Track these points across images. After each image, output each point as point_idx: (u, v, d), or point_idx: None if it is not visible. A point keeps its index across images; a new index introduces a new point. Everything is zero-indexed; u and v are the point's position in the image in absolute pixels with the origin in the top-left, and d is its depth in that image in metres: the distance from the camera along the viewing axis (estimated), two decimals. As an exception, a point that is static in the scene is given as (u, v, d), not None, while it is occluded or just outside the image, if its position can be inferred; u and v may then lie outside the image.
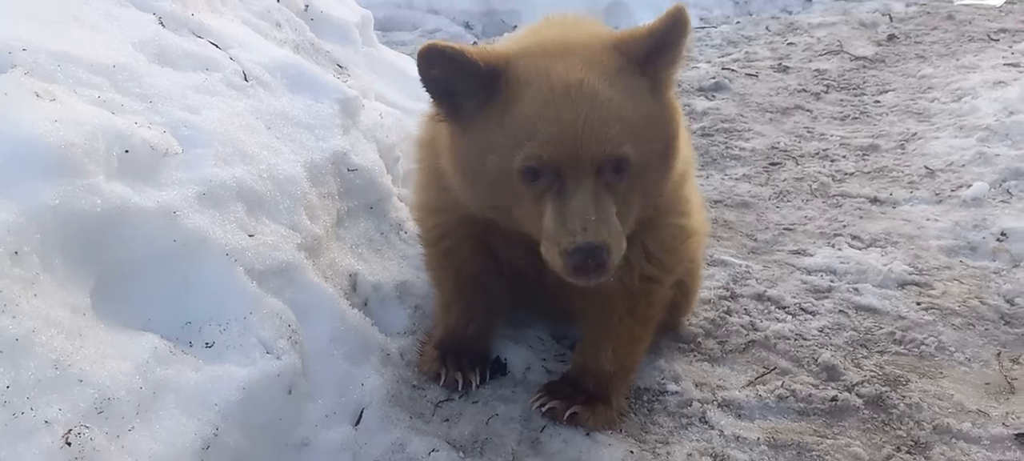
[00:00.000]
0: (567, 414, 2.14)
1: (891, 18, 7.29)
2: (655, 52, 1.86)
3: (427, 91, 1.90)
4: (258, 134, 2.41)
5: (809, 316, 2.83)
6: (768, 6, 8.23)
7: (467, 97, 1.86)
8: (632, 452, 2.14)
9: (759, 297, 2.95)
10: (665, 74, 1.90)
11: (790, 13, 7.98)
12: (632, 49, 1.87)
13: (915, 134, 4.56)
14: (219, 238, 2.01)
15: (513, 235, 2.09)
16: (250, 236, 2.13)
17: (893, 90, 5.40)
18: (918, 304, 2.86)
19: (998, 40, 6.24)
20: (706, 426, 2.26)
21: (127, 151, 1.97)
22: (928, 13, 7.44)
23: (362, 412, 2.13)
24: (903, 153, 4.33)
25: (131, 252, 1.89)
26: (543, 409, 2.17)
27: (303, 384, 2.01)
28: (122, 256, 1.88)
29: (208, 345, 1.92)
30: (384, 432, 2.10)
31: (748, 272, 3.13)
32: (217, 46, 2.65)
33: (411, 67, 4.33)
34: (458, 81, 1.86)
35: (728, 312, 2.84)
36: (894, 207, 3.68)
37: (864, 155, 4.38)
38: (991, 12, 7.23)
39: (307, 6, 3.63)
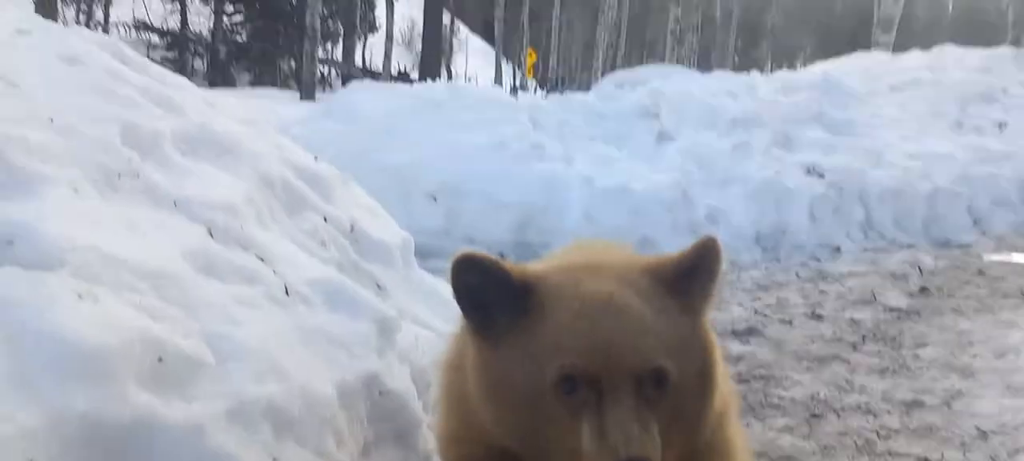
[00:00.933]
0: None
1: (921, 271, 7.32)
2: (686, 278, 1.83)
3: (458, 302, 1.84)
4: (294, 350, 2.34)
5: None
6: (796, 253, 8.33)
7: (499, 310, 1.79)
8: None
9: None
10: (698, 302, 1.84)
11: (819, 261, 8.05)
12: (662, 272, 1.83)
13: (960, 391, 4.39)
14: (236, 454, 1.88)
15: None
16: (274, 460, 2.00)
17: (932, 344, 5.29)
18: None
19: (1033, 299, 6.21)
20: None
21: (161, 359, 1.90)
22: (958, 267, 7.48)
23: None
24: (950, 411, 4.14)
25: (151, 467, 1.77)
26: None
27: None
28: (141, 471, 1.76)
29: None
30: None
31: None
32: (262, 260, 2.66)
33: (446, 290, 4.33)
34: (491, 292, 1.80)
35: None
36: (950, 471, 3.45)
37: (908, 411, 4.19)
38: (1020, 268, 7.25)
39: (353, 227, 3.69)
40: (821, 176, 9.27)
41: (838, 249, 8.49)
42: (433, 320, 3.74)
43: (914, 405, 4.26)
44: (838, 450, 3.71)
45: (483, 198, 8.54)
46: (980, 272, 7.25)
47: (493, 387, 1.83)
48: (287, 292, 2.57)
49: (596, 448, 1.64)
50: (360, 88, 11.78)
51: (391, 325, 2.84)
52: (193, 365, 1.96)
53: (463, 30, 62.13)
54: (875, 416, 4.14)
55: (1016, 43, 20.87)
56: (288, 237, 3.05)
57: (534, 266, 2.05)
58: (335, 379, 2.40)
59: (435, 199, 8.64)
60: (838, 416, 4.14)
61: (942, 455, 3.57)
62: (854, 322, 5.85)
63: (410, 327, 3.24)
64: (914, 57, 16.60)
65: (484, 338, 1.84)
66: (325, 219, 3.47)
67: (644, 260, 1.93)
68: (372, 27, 46.42)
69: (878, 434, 3.87)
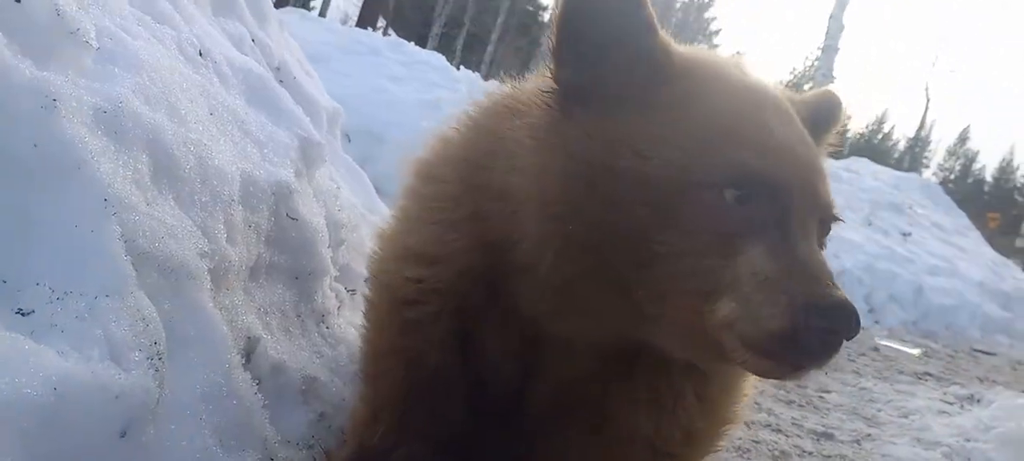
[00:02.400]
0: None
1: (821, 334, 7.30)
2: (815, 120, 1.53)
3: (558, 38, 1.34)
4: (197, 106, 1.78)
5: None
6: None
7: (618, 72, 1.32)
8: None
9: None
10: (819, 145, 1.57)
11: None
12: (797, 104, 1.52)
13: (869, 435, 4.20)
14: (104, 174, 1.33)
15: (515, 311, 1.48)
16: (146, 204, 1.45)
17: (836, 393, 5.13)
18: None
19: (925, 380, 6.20)
20: None
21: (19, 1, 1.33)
22: (854, 340, 7.49)
23: (218, 514, 1.36)
24: (861, 448, 3.93)
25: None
26: None
27: (148, 431, 1.25)
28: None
29: (22, 313, 1.18)
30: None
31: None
32: (176, 11, 2.09)
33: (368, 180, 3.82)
34: (616, 44, 1.33)
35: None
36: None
37: (819, 440, 3.95)
38: (912, 357, 7.32)
39: (280, 67, 3.13)
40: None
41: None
42: (356, 200, 3.22)
43: (824, 436, 4.02)
44: (754, 455, 3.40)
45: (403, 150, 8.00)
46: (875, 349, 7.28)
47: (594, 172, 1.29)
48: (201, 54, 2.02)
49: (791, 277, 1.18)
50: (292, 13, 11.06)
51: (315, 151, 2.31)
52: (63, 30, 1.38)
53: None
54: (787, 436, 3.87)
55: (913, 169, 22.14)
56: (208, 21, 2.47)
57: None
58: (241, 167, 1.85)
59: (350, 140, 8.01)
60: (748, 428, 3.85)
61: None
62: (761, 357, 5.66)
63: (330, 178, 2.71)
64: (830, 162, 17.28)
65: (580, 102, 1.34)
66: (253, 40, 2.90)
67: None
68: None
69: (794, 451, 3.60)
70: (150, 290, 1.40)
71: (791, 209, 1.25)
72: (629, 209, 1.28)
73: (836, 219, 1.35)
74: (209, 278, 1.58)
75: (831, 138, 1.59)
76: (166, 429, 1.35)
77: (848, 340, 1.18)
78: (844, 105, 1.57)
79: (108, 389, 1.16)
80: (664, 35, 1.40)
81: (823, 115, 1.55)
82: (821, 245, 1.32)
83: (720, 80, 1.37)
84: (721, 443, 1.69)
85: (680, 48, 1.46)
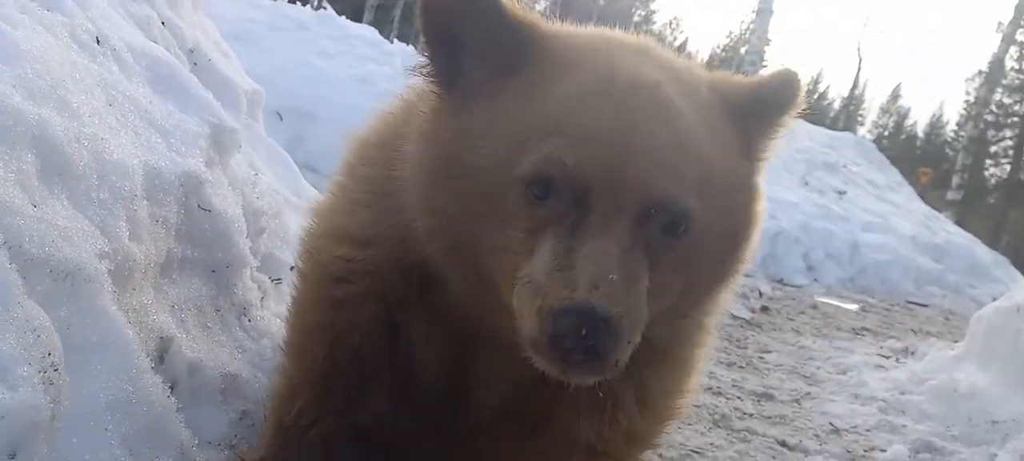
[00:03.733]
0: None
1: (760, 294, 7.43)
2: (755, 108, 1.39)
3: (425, 33, 1.31)
4: (93, 97, 1.68)
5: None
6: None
7: (478, 58, 1.30)
8: None
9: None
10: (758, 141, 1.42)
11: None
12: (730, 91, 1.39)
13: (808, 393, 4.28)
14: (-19, 176, 1.23)
15: (446, 307, 1.44)
16: (33, 206, 1.35)
17: (775, 352, 5.23)
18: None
19: (863, 335, 6.37)
20: None
21: None
22: (793, 299, 7.66)
23: (126, 530, 1.29)
24: (800, 408, 4.01)
25: None
26: None
27: (41, 450, 1.17)
28: None
29: None
30: None
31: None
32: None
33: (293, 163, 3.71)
34: (473, 30, 1.30)
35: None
36: (806, 455, 3.24)
37: (760, 401, 4.01)
38: (849, 313, 7.52)
39: (194, 49, 2.99)
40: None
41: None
42: (279, 185, 3.11)
43: (765, 397, 4.09)
44: (694, 420, 3.42)
45: (336, 127, 7.83)
46: (814, 306, 7.46)
47: (442, 159, 1.30)
48: (98, 41, 1.90)
49: (546, 278, 1.15)
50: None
51: (228, 138, 2.21)
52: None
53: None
54: (727, 399, 3.92)
55: (848, 127, 22.67)
56: (112, 6, 2.33)
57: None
58: (143, 159, 1.76)
59: (281, 118, 7.83)
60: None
61: (800, 441, 3.37)
62: (703, 321, 5.74)
63: (249, 164, 2.61)
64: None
65: (447, 94, 1.33)
66: (162, 23, 2.76)
67: (712, 74, 1.47)
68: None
69: (734, 413, 3.64)
70: (42, 297, 1.31)
71: (591, 205, 1.18)
72: (468, 203, 1.27)
73: (675, 205, 1.21)
74: (110, 279, 1.49)
75: (786, 121, 1.43)
76: (67, 443, 1.27)
77: (590, 355, 1.10)
78: (799, 86, 1.41)
79: (-10, 409, 1.07)
80: (530, 17, 1.35)
81: (774, 98, 1.41)
82: (668, 238, 1.23)
83: (580, 66, 1.28)
84: (660, 439, 1.68)
85: (558, 29, 1.40)
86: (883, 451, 3.34)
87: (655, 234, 1.21)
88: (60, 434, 1.25)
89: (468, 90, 1.31)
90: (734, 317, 6.15)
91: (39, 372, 1.20)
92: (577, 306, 1.09)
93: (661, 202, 1.19)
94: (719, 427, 3.41)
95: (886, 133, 53.43)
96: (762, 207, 1.42)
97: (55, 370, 1.25)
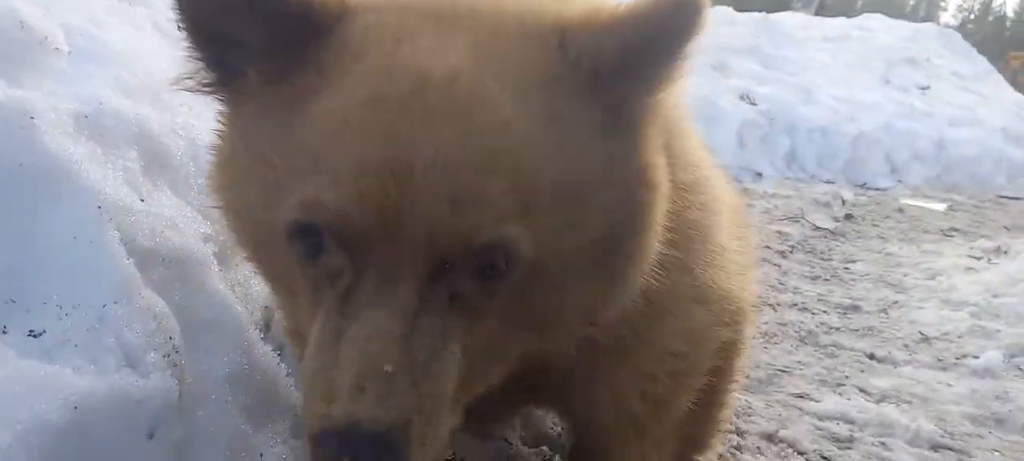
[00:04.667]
0: None
1: (844, 201, 7.25)
2: (631, 59, 0.98)
3: (183, 29, 1.02)
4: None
5: (835, 467, 2.26)
6: (720, 173, 8.17)
7: (252, 56, 0.99)
8: None
9: (770, 438, 2.38)
10: (643, 96, 1.02)
11: (741, 182, 7.88)
12: (589, 44, 0.98)
13: (896, 302, 4.21)
14: (94, 180, 1.33)
15: None
16: (141, 200, 1.45)
17: (861, 261, 5.14)
18: (963, 471, 2.33)
19: (952, 236, 6.17)
20: None
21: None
22: (878, 204, 7.44)
23: (256, 490, 1.41)
24: (887, 318, 3.95)
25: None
26: None
27: (176, 428, 1.29)
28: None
29: (34, 334, 1.20)
30: (286, 524, 1.38)
31: (750, 408, 2.58)
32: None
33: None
34: (243, 19, 0.98)
35: (739, 448, 2.24)
36: (895, 366, 3.22)
37: (846, 313, 3.97)
38: (937, 213, 7.27)
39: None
40: (753, 104, 9.10)
41: (760, 175, 8.34)
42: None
43: (851, 309, 4.04)
44: (780, 337, 3.43)
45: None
46: (900, 210, 7.23)
47: (217, 202, 1.09)
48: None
49: (309, 381, 0.91)
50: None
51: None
52: (35, 40, 1.36)
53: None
54: (813, 314, 3.90)
55: (929, 18, 21.45)
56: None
57: None
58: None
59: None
60: (775, 310, 3.88)
61: (889, 353, 3.34)
62: (782, 234, 5.65)
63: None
64: (841, 20, 16.71)
65: (224, 93, 1.07)
66: None
67: (562, 14, 1.03)
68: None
69: (820, 328, 3.63)
70: (158, 286, 1.42)
71: (367, 263, 0.89)
72: (252, 257, 1.10)
73: (479, 244, 0.89)
74: (215, 260, 1.59)
75: (685, 54, 0.99)
76: (194, 419, 1.38)
77: None
78: (702, 15, 0.96)
79: (128, 396, 1.19)
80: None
81: (660, 33, 0.97)
82: (488, 283, 0.93)
83: (359, 62, 0.94)
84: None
85: (369, 3, 1.04)
86: (976, 358, 3.28)
87: (466, 283, 0.91)
88: (188, 412, 1.36)
89: (241, 102, 1.02)
90: (817, 228, 6.04)
91: (164, 357, 1.31)
92: (333, 431, 0.83)
93: (457, 245, 0.88)
94: (806, 344, 3.41)
95: (971, 17, 50.31)
96: (659, 184, 1.05)
97: (177, 352, 1.36)
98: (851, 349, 3.36)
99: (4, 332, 1.20)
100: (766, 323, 3.60)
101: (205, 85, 1.06)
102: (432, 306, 0.90)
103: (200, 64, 1.04)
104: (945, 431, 2.58)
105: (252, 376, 1.55)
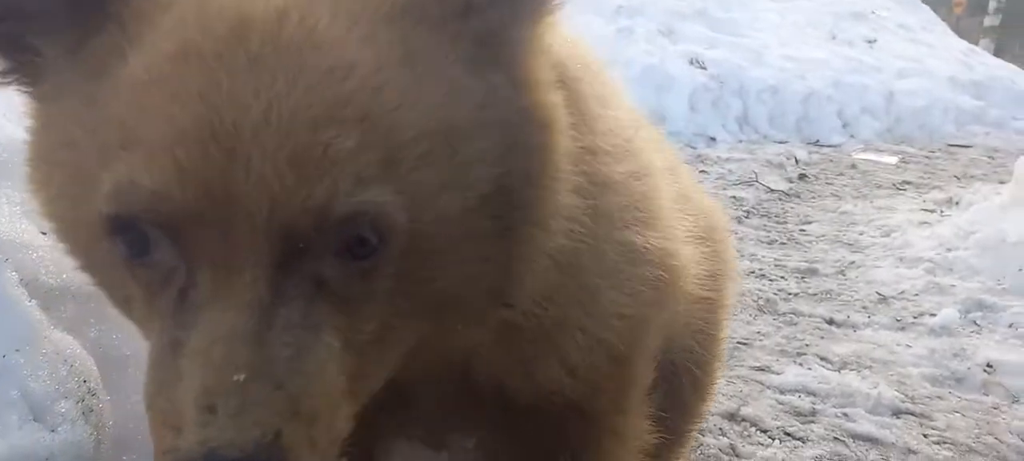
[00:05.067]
0: None
1: (797, 161, 7.28)
2: None
3: None
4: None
5: (798, 443, 2.24)
6: (673, 139, 8.12)
7: (44, 25, 0.84)
8: None
9: (732, 416, 2.35)
10: (518, 27, 0.88)
11: (695, 148, 7.88)
12: None
13: (852, 262, 4.23)
14: (-18, 219, 1.22)
15: None
16: (43, 234, 1.34)
17: (817, 221, 5.16)
18: (925, 436, 2.32)
19: (905, 190, 6.24)
20: None
21: None
22: (831, 161, 7.50)
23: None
24: (845, 279, 3.96)
25: None
26: None
27: (94, 480, 1.20)
28: None
29: (-75, 394, 1.09)
30: None
31: (712, 386, 2.54)
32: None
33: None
34: None
35: (702, 431, 2.21)
36: (855, 330, 3.22)
37: (804, 278, 3.97)
38: (889, 167, 7.36)
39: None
40: (703, 68, 9.09)
41: (714, 139, 8.35)
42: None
43: (809, 273, 4.05)
44: (739, 309, 3.41)
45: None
46: (853, 166, 7.30)
47: (37, 185, 0.92)
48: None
49: (152, 402, 0.77)
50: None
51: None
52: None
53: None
54: (771, 281, 3.89)
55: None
56: None
57: None
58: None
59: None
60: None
61: (847, 316, 3.35)
62: (737, 199, 5.65)
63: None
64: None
65: (26, 84, 0.91)
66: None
67: None
68: None
69: (778, 296, 3.62)
70: (70, 324, 1.32)
71: (201, 253, 0.75)
72: (66, 243, 0.94)
73: (335, 216, 0.74)
74: (136, 289, 1.49)
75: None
76: (118, 457, 1.29)
77: None
78: None
79: (34, 456, 1.09)
80: None
81: None
82: (358, 263, 0.78)
83: (169, 13, 0.79)
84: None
85: None
86: (933, 315, 3.30)
87: (332, 266, 0.77)
88: (110, 455, 1.27)
89: (41, 84, 0.88)
90: (771, 190, 6.06)
91: (77, 402, 1.21)
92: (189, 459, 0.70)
93: (308, 218, 0.73)
94: (765, 313, 3.40)
95: (914, -36, 51.00)
96: (553, 123, 0.91)
97: (93, 395, 1.26)
98: (810, 315, 3.35)
99: None
100: (725, 294, 3.59)
101: (1, 74, 0.89)
102: (289, 296, 0.75)
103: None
104: (906, 395, 2.58)
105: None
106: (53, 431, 1.13)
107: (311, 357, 0.75)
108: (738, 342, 3.03)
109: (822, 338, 3.12)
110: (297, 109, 0.72)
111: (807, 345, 3.03)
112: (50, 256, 1.30)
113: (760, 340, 3.07)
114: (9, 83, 0.89)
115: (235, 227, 0.72)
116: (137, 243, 0.77)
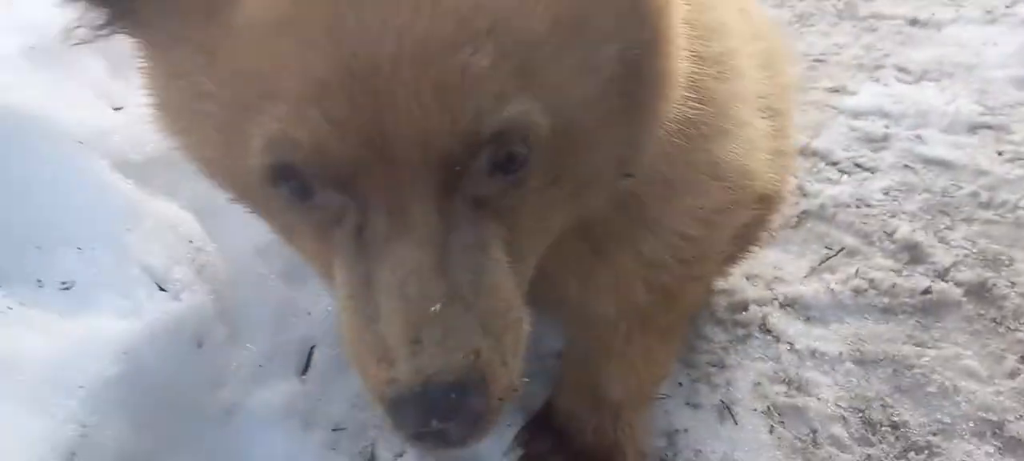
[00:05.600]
0: None
1: None
2: None
3: None
4: None
5: (868, 174, 2.26)
6: None
7: None
8: (681, 384, 1.60)
9: (803, 151, 2.37)
10: None
11: None
12: None
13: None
14: (64, 117, 1.30)
15: None
16: (116, 110, 1.42)
17: None
18: (999, 154, 2.30)
19: None
20: (771, 338, 1.72)
21: None
22: None
23: (311, 352, 1.53)
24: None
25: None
26: None
27: (219, 330, 1.38)
28: None
29: (65, 286, 1.26)
30: (345, 379, 1.51)
31: (783, 119, 2.54)
32: None
33: None
34: None
35: (769, 174, 2.26)
36: (939, 30, 3.06)
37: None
38: None
39: None
40: None
41: None
42: None
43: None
44: (817, 16, 3.26)
45: None
46: None
47: (172, 130, 0.92)
48: None
49: (357, 342, 0.80)
50: None
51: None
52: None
53: None
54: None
55: None
56: None
57: None
58: None
59: None
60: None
61: (933, 14, 3.14)
62: None
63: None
64: None
65: (125, 29, 0.88)
66: None
67: None
68: None
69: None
70: (167, 189, 1.44)
71: (368, 192, 0.77)
72: (215, 181, 0.96)
73: (485, 137, 0.74)
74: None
75: None
76: (235, 304, 1.47)
77: (466, 419, 0.77)
78: None
79: (167, 322, 1.27)
80: None
81: None
82: (509, 176, 0.79)
83: None
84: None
85: None
86: (1029, 2, 3.07)
87: (486, 183, 0.78)
88: (228, 299, 1.44)
89: (150, 31, 0.86)
90: None
91: (190, 264, 1.36)
92: (408, 395, 0.75)
93: (460, 143, 0.74)
94: (843, 19, 3.24)
95: None
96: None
97: (201, 251, 1.41)
98: (891, 17, 3.17)
99: (41, 285, 1.26)
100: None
101: (98, 28, 0.86)
102: (458, 219, 0.78)
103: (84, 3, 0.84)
104: (985, 106, 2.51)
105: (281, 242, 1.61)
106: (177, 299, 1.29)
107: (487, 275, 0.79)
108: (813, 60, 2.95)
109: (903, 44, 2.99)
110: (429, 32, 0.71)
111: (886, 55, 2.91)
112: (132, 133, 1.39)
113: (837, 54, 2.97)
114: (109, 34, 0.88)
115: (395, 164, 0.74)
116: (299, 189, 0.79)
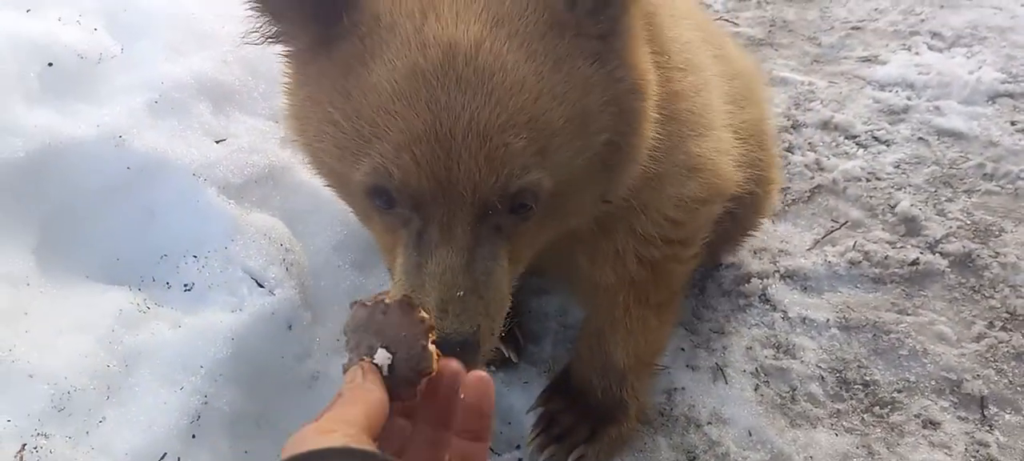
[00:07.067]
0: (572, 459, 1.71)
1: None
2: None
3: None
4: (214, 2, 1.99)
5: (883, 147, 2.45)
6: None
7: (297, 22, 1.18)
8: (683, 349, 1.89)
9: (825, 125, 2.56)
10: (626, 10, 1.18)
11: None
12: None
13: None
14: (181, 155, 1.68)
15: None
16: (219, 142, 1.80)
17: None
18: (1012, 124, 2.44)
19: None
20: (768, 307, 1.98)
21: (50, 64, 1.61)
22: None
23: (377, 327, 1.90)
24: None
25: (74, 194, 1.59)
26: (541, 459, 1.71)
27: (304, 314, 1.76)
28: (64, 201, 1.58)
29: (187, 288, 1.66)
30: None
31: (812, 92, 2.71)
32: None
33: None
34: None
35: (790, 148, 2.47)
36: (980, -11, 3.12)
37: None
38: None
39: None
40: None
41: None
42: None
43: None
44: (859, -17, 3.36)
45: None
46: None
47: (300, 134, 1.28)
48: None
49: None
50: None
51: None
52: (91, 61, 1.66)
53: None
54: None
55: None
56: None
57: None
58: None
59: None
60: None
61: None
62: None
63: None
64: None
65: (288, 55, 1.25)
66: None
67: None
68: None
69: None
70: (260, 202, 1.82)
71: (430, 213, 1.13)
72: (322, 176, 1.34)
73: (513, 190, 1.11)
74: (294, 152, 1.95)
75: None
76: (317, 292, 1.85)
77: (466, 356, 1.07)
78: None
79: (265, 311, 1.65)
80: None
81: None
82: (520, 215, 1.16)
83: (394, 33, 1.11)
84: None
85: None
86: (1076, -44, 3.08)
87: (506, 218, 1.16)
88: (311, 289, 1.82)
89: (302, 60, 1.21)
90: None
91: (281, 262, 1.74)
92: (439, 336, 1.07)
93: (495, 195, 1.11)
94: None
95: None
96: (647, 85, 1.23)
97: (289, 251, 1.79)
98: (935, -23, 3.24)
99: (169, 287, 1.67)
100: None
101: (269, 36, 1.22)
102: (483, 239, 1.15)
103: (264, 18, 1.19)
104: (1009, 74, 2.62)
105: (353, 238, 1.97)
106: (272, 293, 1.68)
107: (494, 277, 1.17)
108: (852, 27, 3.07)
109: (941, 8, 3.07)
110: (490, 120, 1.08)
111: (922, 20, 3.01)
112: (233, 161, 1.76)
113: (875, 20, 3.09)
114: (270, 42, 1.22)
115: (451, 200, 1.11)
116: (385, 201, 1.16)
